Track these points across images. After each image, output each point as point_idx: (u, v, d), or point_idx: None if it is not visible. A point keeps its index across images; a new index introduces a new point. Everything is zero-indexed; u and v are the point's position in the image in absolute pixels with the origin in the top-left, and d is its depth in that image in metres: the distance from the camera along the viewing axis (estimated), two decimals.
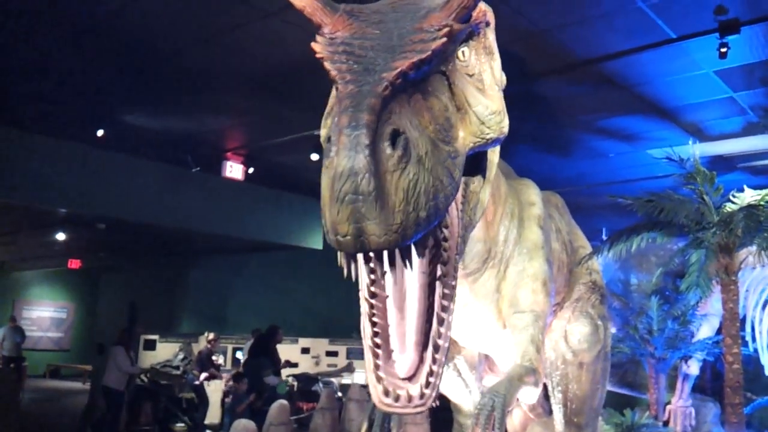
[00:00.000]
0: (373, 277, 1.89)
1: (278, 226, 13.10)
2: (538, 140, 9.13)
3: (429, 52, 1.76)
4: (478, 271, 3.39)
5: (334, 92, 1.96)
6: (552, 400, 4.02)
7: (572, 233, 4.35)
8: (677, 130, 8.64)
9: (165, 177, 10.82)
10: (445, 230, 1.96)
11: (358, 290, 1.92)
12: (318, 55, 1.81)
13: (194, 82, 8.10)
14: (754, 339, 9.52)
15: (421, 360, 1.85)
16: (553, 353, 3.98)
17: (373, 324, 1.90)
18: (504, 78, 2.55)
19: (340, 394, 13.65)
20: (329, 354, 17.31)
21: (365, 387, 13.05)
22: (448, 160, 1.79)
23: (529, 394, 3.24)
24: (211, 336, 11.91)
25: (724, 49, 5.97)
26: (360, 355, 17.28)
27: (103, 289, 21.82)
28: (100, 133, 8.98)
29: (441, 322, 1.89)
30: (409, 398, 1.79)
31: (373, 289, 1.92)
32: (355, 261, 1.78)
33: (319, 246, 13.76)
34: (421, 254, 1.77)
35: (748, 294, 9.70)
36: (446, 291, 1.93)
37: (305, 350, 15.15)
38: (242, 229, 12.65)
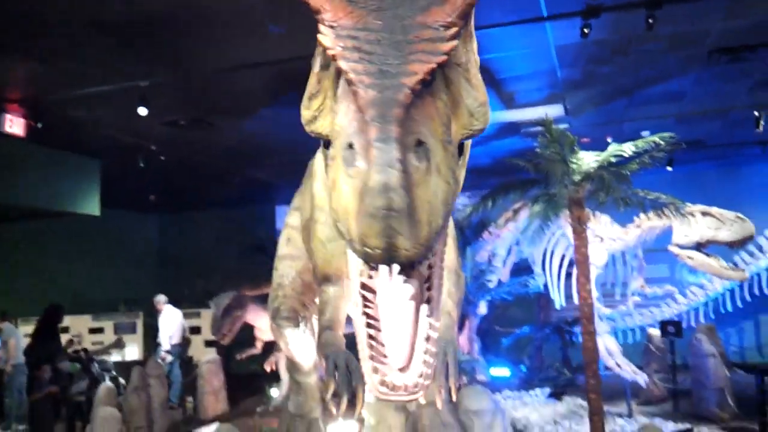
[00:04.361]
0: (372, 274, 1.83)
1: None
2: None
3: (443, 57, 1.74)
4: None
5: (316, 71, 1.98)
6: None
7: None
8: (495, 99, 9.52)
9: None
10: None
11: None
12: (329, 52, 1.76)
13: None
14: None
15: (413, 352, 1.86)
16: None
17: (368, 317, 1.88)
18: (478, 58, 2.67)
19: (114, 373, 13.00)
20: (93, 331, 15.96)
21: (164, 360, 12.50)
22: (452, 161, 1.81)
23: None
24: None
25: (587, 30, 6.81)
26: (129, 329, 16.19)
27: None
28: None
29: (431, 312, 1.91)
30: (405, 387, 1.85)
31: (367, 283, 1.87)
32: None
33: (96, 212, 12.27)
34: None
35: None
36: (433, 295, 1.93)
37: (64, 330, 13.62)
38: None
